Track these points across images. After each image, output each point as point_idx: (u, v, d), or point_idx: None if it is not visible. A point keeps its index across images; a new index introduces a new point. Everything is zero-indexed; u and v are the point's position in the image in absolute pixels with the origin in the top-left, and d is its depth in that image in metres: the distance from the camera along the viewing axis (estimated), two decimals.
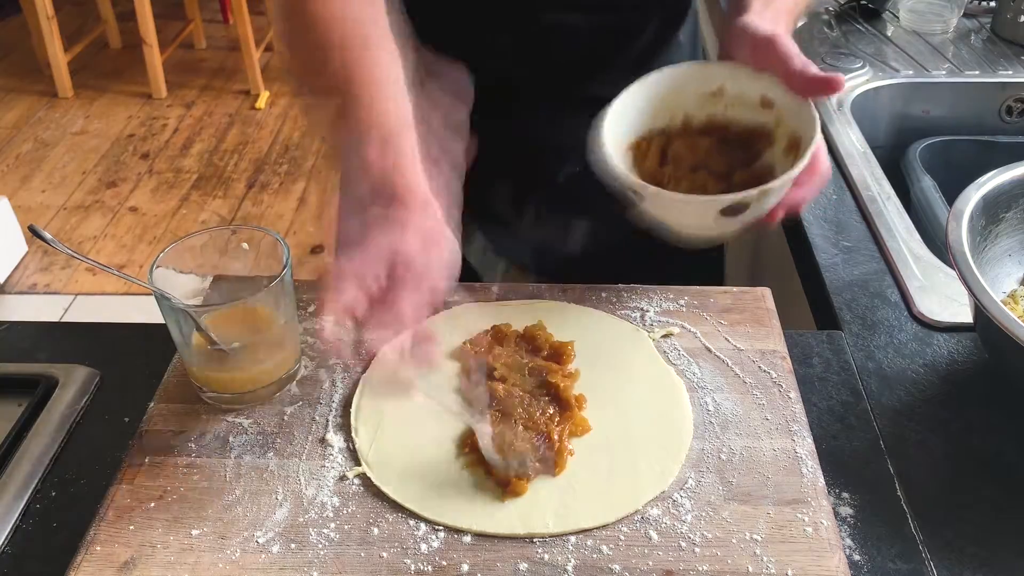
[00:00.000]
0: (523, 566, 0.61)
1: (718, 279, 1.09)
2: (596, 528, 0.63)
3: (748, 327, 0.80)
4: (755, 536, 0.62)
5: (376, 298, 0.62)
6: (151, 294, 0.70)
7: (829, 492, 0.67)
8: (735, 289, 0.85)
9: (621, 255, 0.95)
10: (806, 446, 0.69)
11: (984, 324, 0.71)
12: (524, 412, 0.71)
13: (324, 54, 0.68)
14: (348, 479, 0.68)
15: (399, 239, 0.63)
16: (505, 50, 0.88)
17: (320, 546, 0.63)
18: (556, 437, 0.69)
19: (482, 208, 0.96)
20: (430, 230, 0.65)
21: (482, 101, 0.88)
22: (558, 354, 0.77)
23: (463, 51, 0.83)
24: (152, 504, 0.66)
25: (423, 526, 0.64)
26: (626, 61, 0.92)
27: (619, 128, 0.79)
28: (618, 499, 0.65)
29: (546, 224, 0.98)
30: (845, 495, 0.67)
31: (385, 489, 0.66)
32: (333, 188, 0.67)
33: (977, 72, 1.30)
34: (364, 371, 0.77)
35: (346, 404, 0.74)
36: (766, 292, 0.85)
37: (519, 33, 0.89)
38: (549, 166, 0.94)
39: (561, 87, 0.92)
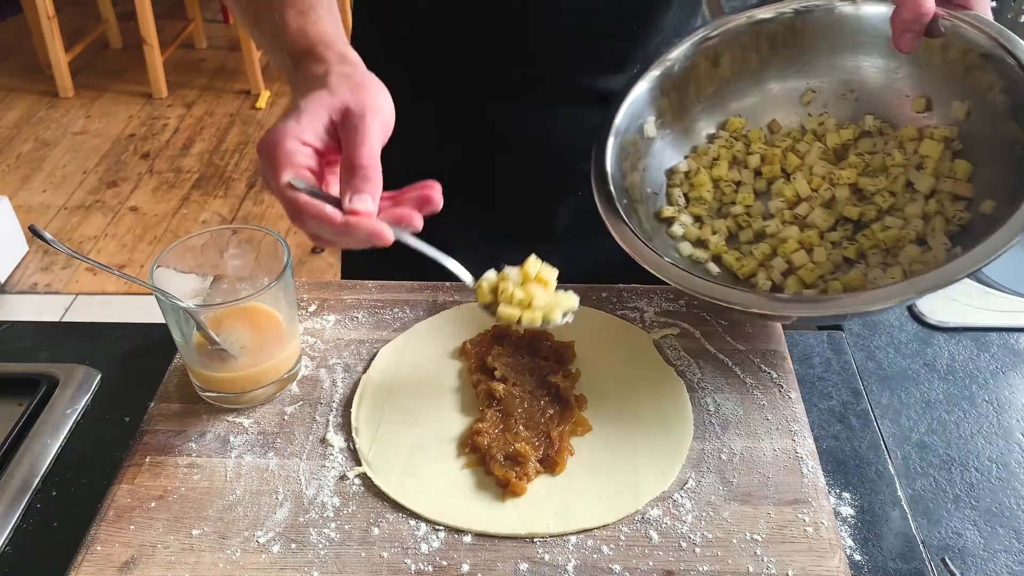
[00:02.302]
0: (523, 566, 0.61)
1: None
2: (596, 528, 0.63)
3: (748, 327, 0.80)
4: (755, 536, 0.62)
5: (325, 150, 0.63)
6: (151, 294, 0.70)
7: (829, 492, 0.67)
8: None
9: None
10: (806, 446, 0.69)
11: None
12: (524, 412, 0.71)
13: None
14: (348, 479, 0.68)
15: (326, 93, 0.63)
16: (517, 43, 0.88)
17: (320, 546, 0.63)
18: (556, 437, 0.69)
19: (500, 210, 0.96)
20: (350, 75, 0.65)
21: (495, 99, 0.88)
22: (559, 354, 0.77)
23: (474, 45, 0.83)
24: (152, 504, 0.66)
25: (423, 526, 0.64)
26: (643, 54, 0.92)
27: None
28: (618, 499, 0.65)
29: (572, 229, 0.97)
30: (845, 495, 0.67)
31: (385, 489, 0.66)
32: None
33: None
34: (364, 371, 0.77)
35: (347, 404, 0.74)
36: None
37: (532, 28, 0.88)
38: (568, 163, 0.94)
39: (576, 82, 0.92)
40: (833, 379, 0.78)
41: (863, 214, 0.77)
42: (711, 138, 0.86)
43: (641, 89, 0.82)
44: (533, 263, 0.69)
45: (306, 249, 2.70)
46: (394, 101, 0.76)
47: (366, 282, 0.87)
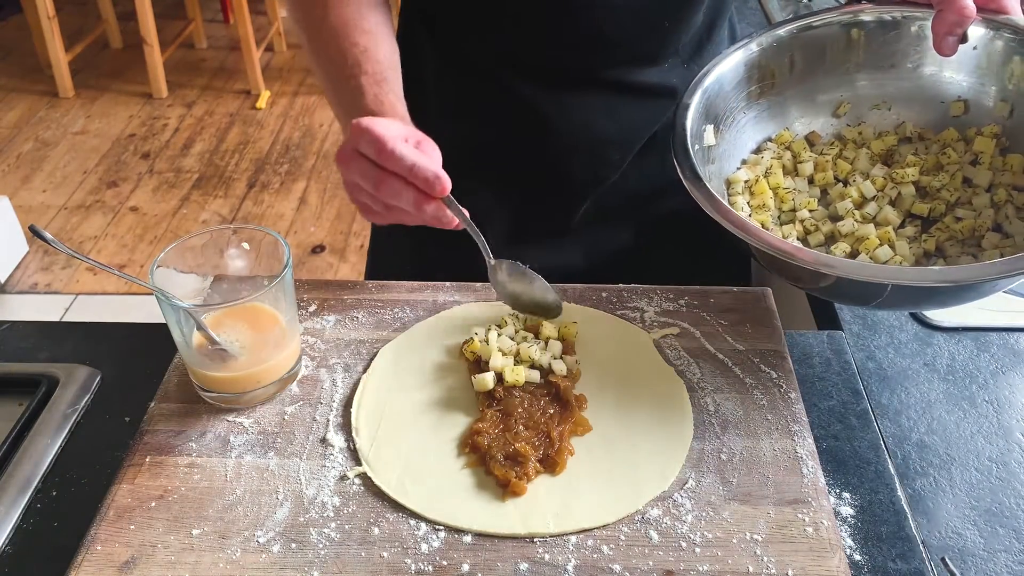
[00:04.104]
0: (523, 566, 0.61)
1: (745, 278, 1.08)
2: (596, 528, 0.63)
3: (748, 327, 0.80)
4: (755, 536, 0.62)
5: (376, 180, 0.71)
6: (152, 294, 0.70)
7: (829, 492, 0.67)
8: (735, 289, 0.85)
9: (661, 251, 0.97)
10: (806, 446, 0.69)
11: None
12: (524, 412, 0.71)
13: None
14: (349, 479, 0.68)
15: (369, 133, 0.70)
16: (553, 33, 0.90)
17: (321, 546, 0.63)
18: (556, 437, 0.69)
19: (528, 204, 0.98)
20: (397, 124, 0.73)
21: (530, 84, 0.89)
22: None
23: (513, 29, 0.85)
24: (153, 504, 0.66)
25: (423, 526, 0.64)
26: (674, 49, 0.93)
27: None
28: (618, 499, 0.65)
29: (592, 220, 0.99)
30: (845, 495, 0.68)
31: (386, 489, 0.66)
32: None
33: None
34: (364, 371, 0.77)
35: (347, 404, 0.74)
36: (766, 292, 0.84)
37: (567, 18, 0.90)
38: (596, 152, 0.95)
39: (610, 74, 0.93)
40: (833, 379, 0.78)
41: (933, 209, 0.80)
42: (758, 150, 0.89)
43: (695, 100, 0.83)
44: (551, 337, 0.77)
45: (306, 249, 2.70)
46: (433, 81, 0.83)
47: (366, 282, 0.87)
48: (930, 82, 0.85)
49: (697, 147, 0.80)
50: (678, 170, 0.77)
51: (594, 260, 0.94)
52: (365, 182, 0.71)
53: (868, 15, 0.84)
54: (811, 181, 0.86)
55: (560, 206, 0.99)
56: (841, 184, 0.85)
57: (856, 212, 0.81)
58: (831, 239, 0.81)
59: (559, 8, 0.87)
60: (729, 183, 0.86)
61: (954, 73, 0.83)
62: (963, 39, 0.76)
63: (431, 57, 0.96)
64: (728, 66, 0.85)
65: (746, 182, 0.86)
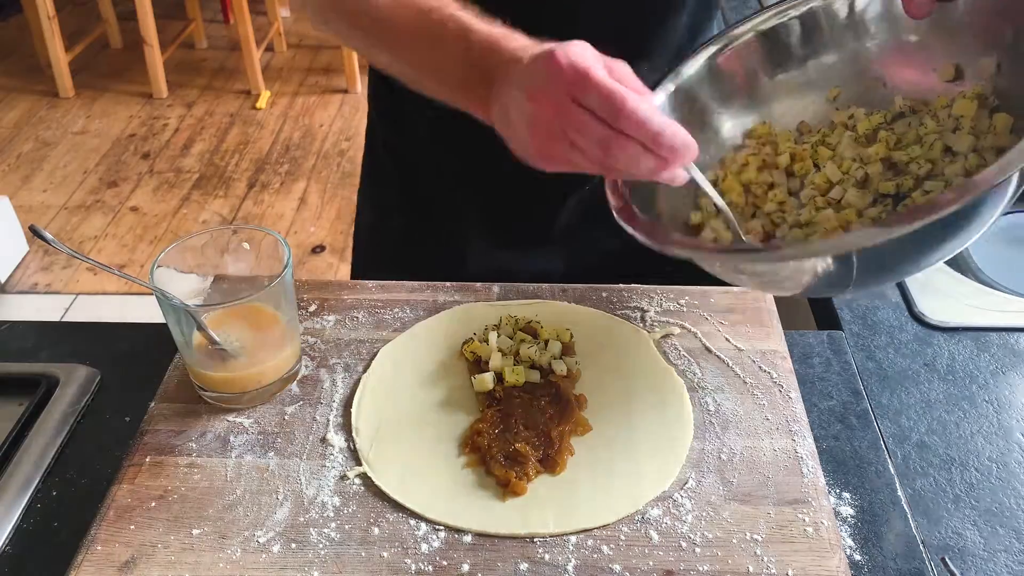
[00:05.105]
0: (523, 566, 0.61)
1: None
2: (596, 528, 0.63)
3: (748, 327, 0.80)
4: (755, 536, 0.62)
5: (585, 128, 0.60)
6: (152, 294, 0.70)
7: (829, 492, 0.67)
8: (735, 289, 0.85)
9: (650, 256, 0.96)
10: (806, 446, 0.69)
11: None
12: (524, 412, 0.71)
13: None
14: (349, 479, 0.68)
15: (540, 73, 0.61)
16: (530, 31, 0.88)
17: (321, 546, 0.63)
18: (556, 437, 0.69)
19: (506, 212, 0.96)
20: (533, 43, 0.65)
21: None
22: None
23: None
24: (153, 504, 0.66)
25: (424, 526, 0.64)
26: (657, 51, 0.92)
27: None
28: (618, 499, 0.65)
29: (576, 226, 0.97)
30: (845, 495, 0.67)
31: (386, 489, 0.66)
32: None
33: None
34: (364, 371, 0.77)
35: (347, 404, 0.74)
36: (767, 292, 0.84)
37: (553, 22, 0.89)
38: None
39: None
40: (833, 379, 0.78)
41: (900, 186, 0.74)
42: (738, 148, 0.85)
43: (659, 102, 0.81)
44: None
45: (306, 249, 2.70)
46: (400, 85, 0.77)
47: (366, 282, 0.87)
48: (916, 48, 0.79)
49: None
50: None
51: (579, 266, 0.91)
52: (585, 140, 0.60)
53: None
54: (792, 174, 0.81)
55: (541, 209, 0.96)
56: (816, 172, 0.80)
57: (819, 198, 0.77)
58: (803, 230, 0.76)
59: (534, 5, 0.86)
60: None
61: (935, 38, 0.77)
62: None
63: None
64: (694, 67, 0.82)
65: (713, 182, 0.81)
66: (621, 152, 0.59)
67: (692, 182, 0.65)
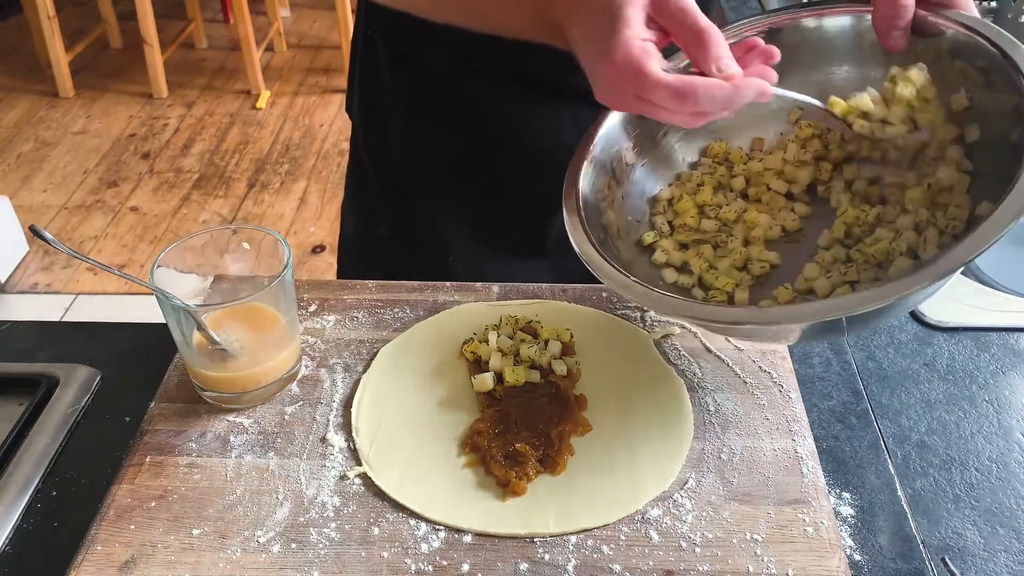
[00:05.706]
0: (523, 566, 0.61)
1: None
2: (596, 528, 0.63)
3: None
4: (755, 536, 0.62)
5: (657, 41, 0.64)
6: (152, 294, 0.70)
7: (829, 492, 0.67)
8: None
9: None
10: (807, 446, 0.69)
11: None
12: (524, 412, 0.71)
13: None
14: (349, 479, 0.68)
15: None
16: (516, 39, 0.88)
17: (321, 546, 0.63)
18: (556, 437, 0.69)
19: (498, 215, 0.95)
20: None
21: (498, 95, 0.87)
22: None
23: (477, 38, 0.82)
24: (153, 504, 0.66)
25: (424, 526, 0.64)
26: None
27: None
28: (618, 499, 0.65)
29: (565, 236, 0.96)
30: (845, 495, 0.68)
31: (386, 489, 0.66)
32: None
33: None
34: (364, 371, 0.77)
35: (347, 404, 0.74)
36: None
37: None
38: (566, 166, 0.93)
39: (580, 84, 0.91)
40: (833, 379, 0.78)
41: (849, 234, 0.72)
42: (693, 165, 0.82)
43: (614, 120, 0.79)
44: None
45: (306, 249, 2.70)
46: (395, 89, 0.75)
47: (366, 282, 0.87)
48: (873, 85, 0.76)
49: (613, 165, 0.77)
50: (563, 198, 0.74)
51: (567, 279, 0.91)
52: (666, 115, 0.65)
53: (809, 17, 0.78)
54: (746, 196, 0.79)
55: (527, 220, 0.95)
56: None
57: (756, 230, 0.75)
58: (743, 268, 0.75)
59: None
60: (655, 202, 0.80)
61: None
62: (928, 32, 0.71)
63: (384, 57, 0.92)
64: None
65: (669, 201, 0.80)
66: (701, 118, 0.64)
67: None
